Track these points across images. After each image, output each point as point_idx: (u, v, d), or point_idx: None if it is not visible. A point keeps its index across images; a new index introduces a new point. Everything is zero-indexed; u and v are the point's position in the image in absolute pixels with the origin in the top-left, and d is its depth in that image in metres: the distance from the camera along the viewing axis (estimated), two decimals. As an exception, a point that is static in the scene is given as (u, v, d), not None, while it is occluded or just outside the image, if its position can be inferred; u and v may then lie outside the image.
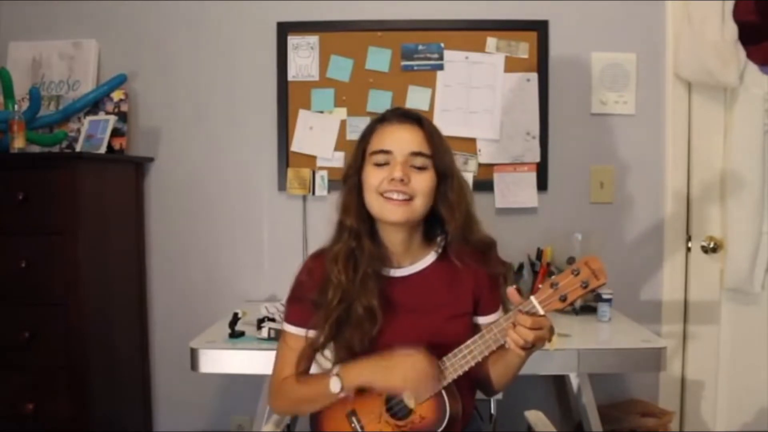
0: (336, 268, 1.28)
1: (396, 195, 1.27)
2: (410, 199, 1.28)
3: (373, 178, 1.29)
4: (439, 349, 1.27)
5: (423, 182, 1.29)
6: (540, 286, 1.28)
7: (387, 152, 1.29)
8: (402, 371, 1.22)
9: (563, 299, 1.16)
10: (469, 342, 1.23)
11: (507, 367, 1.32)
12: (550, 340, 1.20)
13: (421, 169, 1.29)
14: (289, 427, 1.76)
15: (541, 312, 1.17)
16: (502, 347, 1.24)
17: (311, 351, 1.33)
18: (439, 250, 1.37)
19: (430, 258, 1.37)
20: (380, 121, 1.34)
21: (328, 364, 1.32)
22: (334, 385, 1.25)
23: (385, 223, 1.32)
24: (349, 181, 1.33)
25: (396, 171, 1.26)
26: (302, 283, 1.37)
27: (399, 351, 1.24)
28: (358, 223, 1.30)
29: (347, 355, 1.28)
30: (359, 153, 1.33)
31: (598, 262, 1.15)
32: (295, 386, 1.33)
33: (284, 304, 1.42)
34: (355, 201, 1.32)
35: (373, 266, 1.30)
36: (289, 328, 1.37)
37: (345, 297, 1.27)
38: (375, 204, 1.29)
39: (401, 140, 1.30)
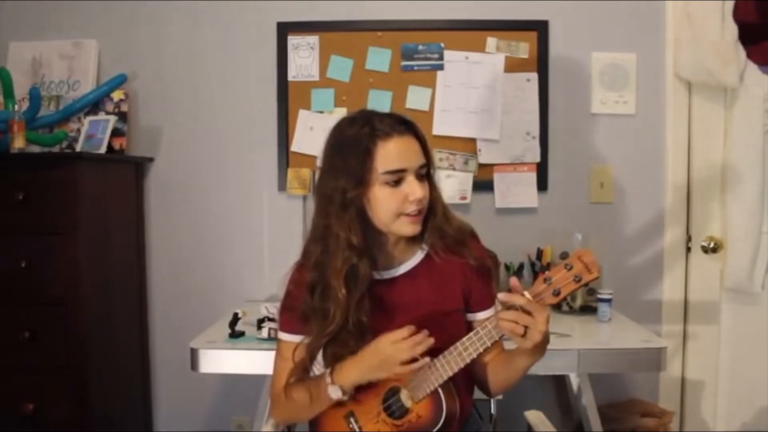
0: (337, 283, 1.25)
1: (416, 212, 1.27)
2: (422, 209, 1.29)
3: (391, 201, 1.25)
4: (433, 347, 1.27)
5: (427, 190, 1.29)
6: None
7: (402, 171, 1.25)
8: (378, 362, 1.23)
9: (557, 294, 1.15)
10: (464, 339, 1.23)
11: (512, 372, 1.31)
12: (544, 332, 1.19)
13: (423, 177, 1.29)
14: (289, 427, 1.76)
15: None
16: (499, 347, 1.24)
17: (308, 360, 1.32)
18: (425, 248, 1.36)
19: (418, 257, 1.36)
20: (377, 134, 1.25)
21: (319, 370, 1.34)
22: (335, 393, 1.26)
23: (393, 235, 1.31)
24: (355, 204, 1.26)
25: (418, 190, 1.25)
26: (290, 293, 1.36)
27: (374, 342, 1.24)
28: (363, 241, 1.27)
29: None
30: (365, 171, 1.24)
31: (590, 256, 1.15)
32: (288, 396, 1.33)
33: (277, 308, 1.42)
34: (357, 219, 1.27)
35: (367, 283, 1.28)
36: (284, 336, 1.37)
37: (344, 313, 1.26)
38: (393, 224, 1.27)
39: (411, 155, 1.27)
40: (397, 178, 1.25)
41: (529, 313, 1.15)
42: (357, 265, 1.26)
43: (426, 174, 1.31)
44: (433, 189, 1.32)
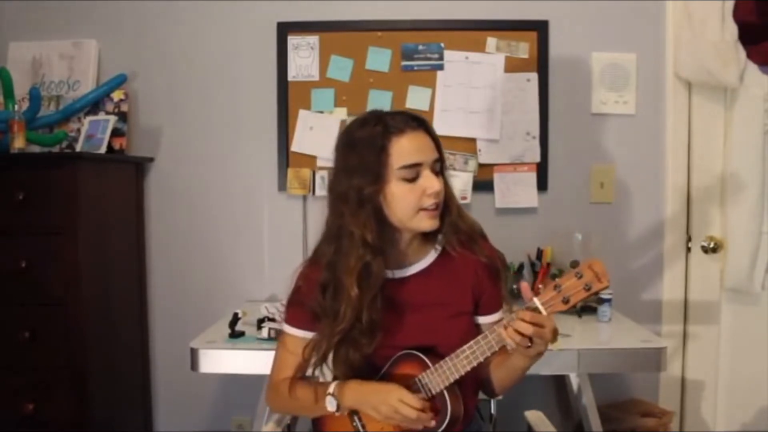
0: (350, 281, 1.25)
1: (434, 206, 1.27)
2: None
3: (409, 195, 1.26)
4: (440, 348, 1.27)
5: (443, 185, 1.30)
6: (540, 286, 1.28)
7: (418, 165, 1.26)
8: (386, 409, 1.23)
9: (566, 301, 1.16)
10: (471, 342, 1.23)
11: (510, 371, 1.32)
12: (554, 341, 1.19)
13: (438, 173, 1.30)
14: (290, 427, 1.76)
15: (544, 314, 1.17)
16: (506, 350, 1.25)
17: (311, 357, 1.32)
18: (439, 248, 1.36)
19: (430, 257, 1.36)
20: (390, 131, 1.26)
21: (328, 373, 1.34)
22: (330, 405, 1.27)
23: (410, 231, 1.31)
24: (372, 201, 1.26)
25: (435, 184, 1.26)
26: (300, 288, 1.36)
27: (389, 385, 1.25)
28: (378, 239, 1.26)
29: (344, 367, 1.29)
30: (381, 168, 1.24)
31: (600, 266, 1.15)
32: (292, 392, 1.34)
33: (284, 304, 1.42)
34: (373, 216, 1.26)
35: (381, 282, 1.28)
36: (289, 330, 1.38)
37: (355, 312, 1.26)
38: (412, 219, 1.28)
39: (425, 150, 1.28)
40: (413, 173, 1.26)
41: (537, 324, 1.16)
42: (371, 263, 1.26)
43: (440, 170, 1.31)
44: (447, 186, 1.33)
